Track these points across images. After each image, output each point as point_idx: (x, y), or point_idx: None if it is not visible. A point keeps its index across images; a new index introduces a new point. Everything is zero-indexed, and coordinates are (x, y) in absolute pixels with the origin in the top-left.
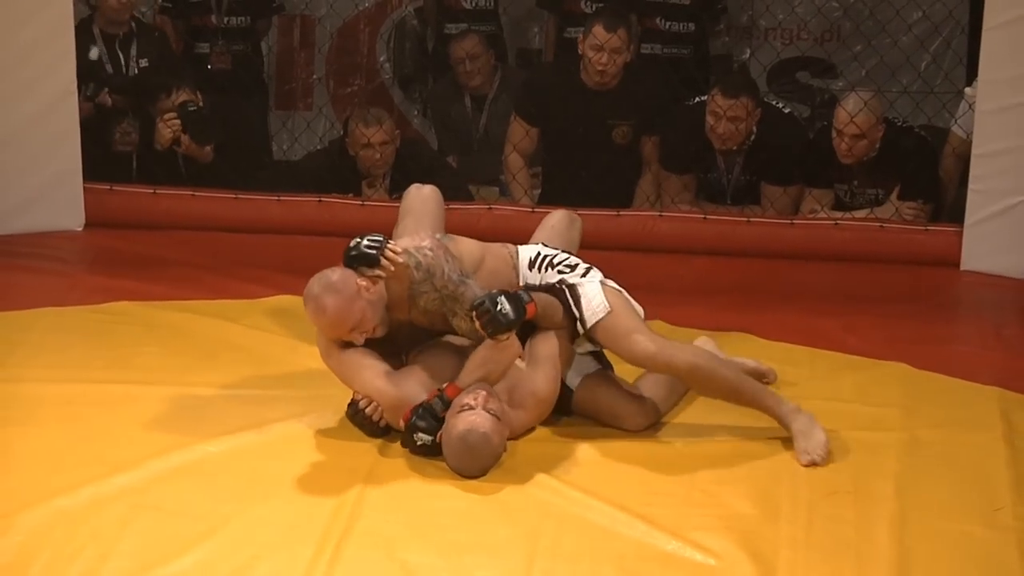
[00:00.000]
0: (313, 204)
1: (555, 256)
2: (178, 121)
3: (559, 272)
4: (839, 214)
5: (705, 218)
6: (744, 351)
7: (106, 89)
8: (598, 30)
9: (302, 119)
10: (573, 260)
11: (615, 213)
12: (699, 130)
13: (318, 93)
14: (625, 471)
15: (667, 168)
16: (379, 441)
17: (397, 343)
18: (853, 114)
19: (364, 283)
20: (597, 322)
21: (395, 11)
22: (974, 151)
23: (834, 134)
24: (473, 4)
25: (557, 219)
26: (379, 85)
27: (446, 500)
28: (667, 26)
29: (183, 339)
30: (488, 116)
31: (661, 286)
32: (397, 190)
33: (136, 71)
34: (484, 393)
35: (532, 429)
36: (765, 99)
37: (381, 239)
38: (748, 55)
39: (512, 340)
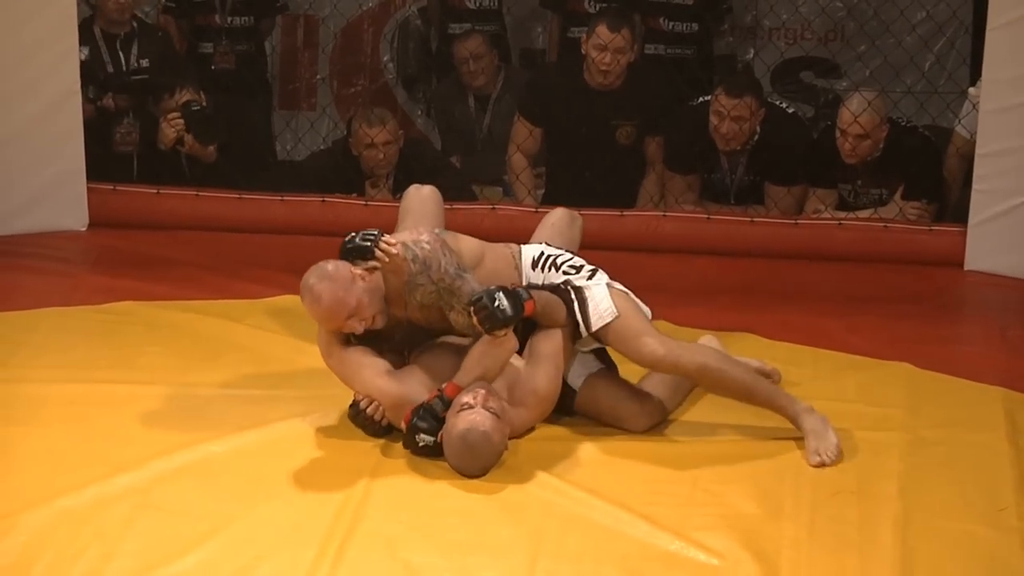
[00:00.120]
0: (317, 204)
1: (559, 256)
2: (181, 121)
3: (564, 273)
4: (843, 214)
5: (709, 218)
6: (748, 351)
7: (109, 93)
8: (602, 30)
9: (306, 119)
10: (578, 261)
11: (619, 213)
12: (703, 130)
13: (322, 93)
14: (628, 470)
15: (671, 168)
16: (381, 441)
17: (396, 342)
18: (857, 114)
19: (360, 272)
20: (605, 325)
21: (399, 11)
22: (978, 151)
23: (838, 134)
24: (477, 4)
25: (557, 217)
26: (383, 85)
27: (449, 500)
28: (670, 26)
29: (186, 339)
30: (492, 116)
31: (665, 286)
32: (400, 190)
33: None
34: (484, 392)
35: (533, 428)
36: (769, 99)
37: (376, 233)
38: (752, 55)
39: (509, 336)
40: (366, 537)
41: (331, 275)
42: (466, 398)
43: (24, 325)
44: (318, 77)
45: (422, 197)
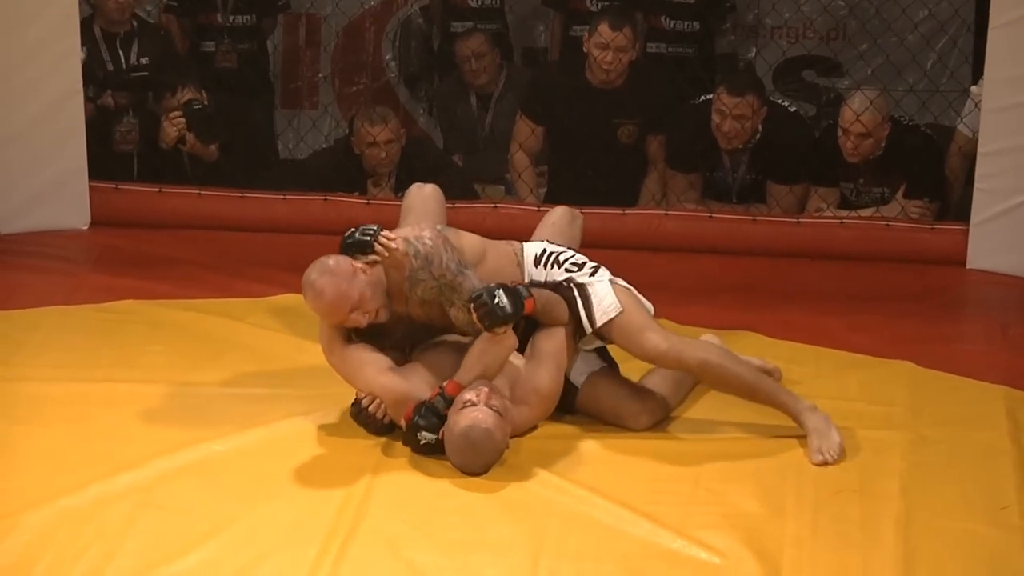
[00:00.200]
0: (319, 203)
1: (561, 253)
2: (183, 120)
3: (566, 270)
4: (845, 213)
5: (711, 217)
6: (749, 350)
7: (108, 91)
8: (603, 28)
9: (308, 118)
10: (580, 258)
11: (621, 212)
12: (705, 129)
13: (324, 92)
14: (630, 468)
15: (673, 167)
16: (383, 439)
17: (398, 339)
18: (859, 113)
19: (361, 266)
20: (609, 321)
21: (401, 9)
22: (980, 149)
23: (840, 133)
24: (479, 2)
25: (558, 216)
26: (385, 83)
27: (451, 498)
28: (672, 25)
29: (188, 338)
30: (494, 115)
31: (667, 285)
32: (402, 189)
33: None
34: (486, 389)
35: (535, 427)
36: (771, 98)
37: (375, 228)
38: (754, 53)
39: (508, 334)
40: (368, 536)
41: (333, 269)
42: (469, 395)
43: (26, 324)
44: (320, 76)
45: (424, 196)
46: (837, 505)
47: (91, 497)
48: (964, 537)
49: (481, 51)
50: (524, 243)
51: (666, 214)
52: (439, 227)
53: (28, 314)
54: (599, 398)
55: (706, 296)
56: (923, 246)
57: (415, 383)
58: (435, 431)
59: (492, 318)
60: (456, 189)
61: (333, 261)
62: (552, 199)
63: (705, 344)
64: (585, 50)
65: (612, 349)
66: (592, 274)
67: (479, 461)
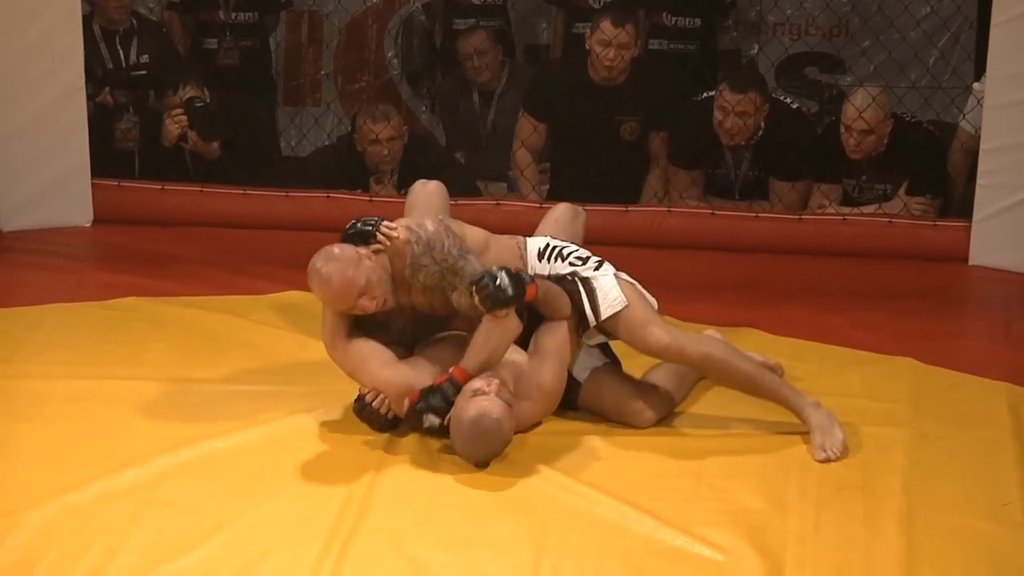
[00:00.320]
0: (321, 200)
1: (565, 247)
2: (185, 117)
3: (570, 264)
4: (847, 209)
5: (713, 214)
6: (752, 346)
7: (107, 88)
8: (606, 25)
9: (310, 115)
10: (584, 252)
11: (623, 209)
12: (707, 125)
13: (326, 89)
14: (633, 465)
15: (675, 164)
16: (386, 436)
17: (400, 333)
18: (861, 109)
19: (365, 252)
20: (614, 315)
21: (403, 7)
22: (982, 146)
23: (842, 129)
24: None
25: (561, 212)
26: (387, 81)
27: (454, 495)
28: (673, 22)
29: (191, 335)
30: (496, 112)
31: (669, 282)
32: (405, 186)
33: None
34: (497, 381)
35: (538, 423)
36: (773, 94)
37: (377, 219)
38: (756, 50)
39: (511, 317)
40: (371, 532)
41: (338, 256)
42: (479, 384)
43: (29, 321)
44: (322, 73)
45: (428, 192)
46: (840, 502)
47: (94, 494)
48: (966, 533)
49: (483, 48)
50: (527, 238)
51: (668, 211)
52: (441, 217)
53: (31, 311)
54: (602, 395)
55: (708, 293)
56: (925, 243)
57: (418, 376)
58: (442, 416)
59: (494, 300)
60: (458, 186)
61: (338, 249)
62: (554, 196)
63: (708, 339)
64: (587, 47)
65: (615, 345)
66: (596, 268)
67: (486, 450)
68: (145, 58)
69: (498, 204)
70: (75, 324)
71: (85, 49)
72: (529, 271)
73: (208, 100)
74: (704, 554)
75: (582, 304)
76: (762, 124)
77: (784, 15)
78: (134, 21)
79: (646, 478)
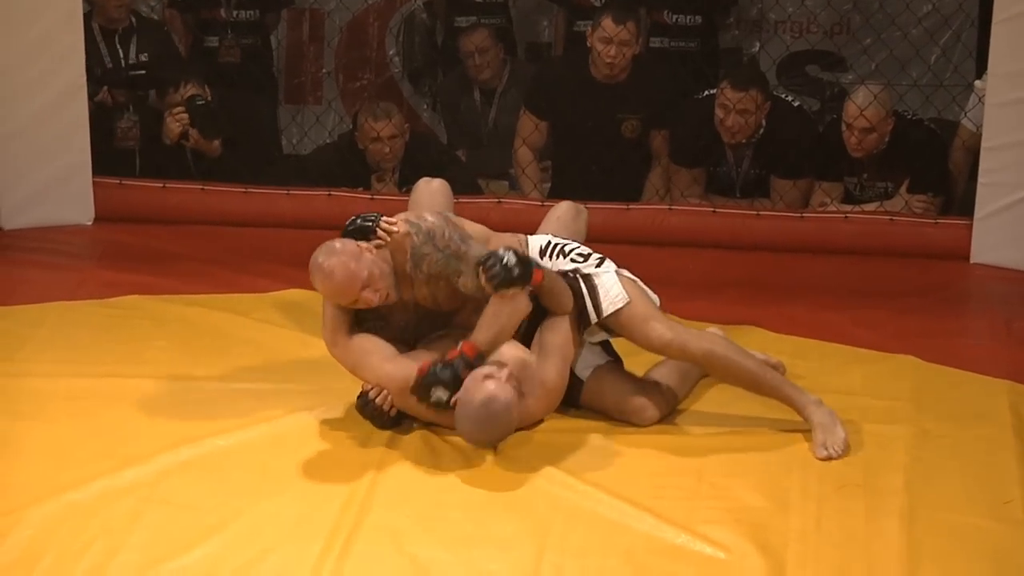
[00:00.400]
0: (323, 198)
1: (566, 245)
2: (186, 115)
3: (572, 261)
4: (848, 207)
5: (714, 212)
6: (753, 344)
7: (105, 87)
8: (607, 23)
9: (311, 113)
10: (585, 249)
11: (624, 207)
12: (708, 123)
13: (327, 87)
14: (634, 463)
15: (676, 162)
16: (388, 434)
17: (402, 330)
18: (863, 107)
19: (366, 246)
20: (616, 311)
21: (404, 4)
22: (984, 144)
23: (844, 127)
24: None
25: (563, 210)
26: (388, 79)
27: (455, 494)
28: (674, 19)
29: (193, 333)
30: (497, 110)
31: (670, 279)
32: (406, 184)
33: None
34: (508, 369)
35: (540, 421)
36: (775, 92)
37: (376, 215)
38: (757, 48)
39: (520, 296)
40: (372, 530)
41: (339, 250)
42: (489, 369)
43: (30, 319)
44: (324, 71)
45: (432, 190)
46: (841, 499)
47: (95, 492)
48: (967, 531)
49: (485, 46)
50: (529, 236)
51: (670, 209)
52: (441, 211)
53: (32, 310)
54: (604, 393)
55: (710, 291)
56: (927, 241)
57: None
58: (452, 391)
59: (501, 278)
60: (460, 184)
61: (339, 243)
62: (556, 194)
63: (711, 335)
64: (589, 44)
65: (617, 344)
66: (598, 265)
67: (492, 433)
68: (144, 57)
69: (499, 202)
70: (76, 322)
71: (84, 48)
72: None
73: (209, 98)
74: (705, 552)
75: (584, 301)
76: (763, 122)
77: (785, 13)
78: (133, 20)
79: (647, 476)
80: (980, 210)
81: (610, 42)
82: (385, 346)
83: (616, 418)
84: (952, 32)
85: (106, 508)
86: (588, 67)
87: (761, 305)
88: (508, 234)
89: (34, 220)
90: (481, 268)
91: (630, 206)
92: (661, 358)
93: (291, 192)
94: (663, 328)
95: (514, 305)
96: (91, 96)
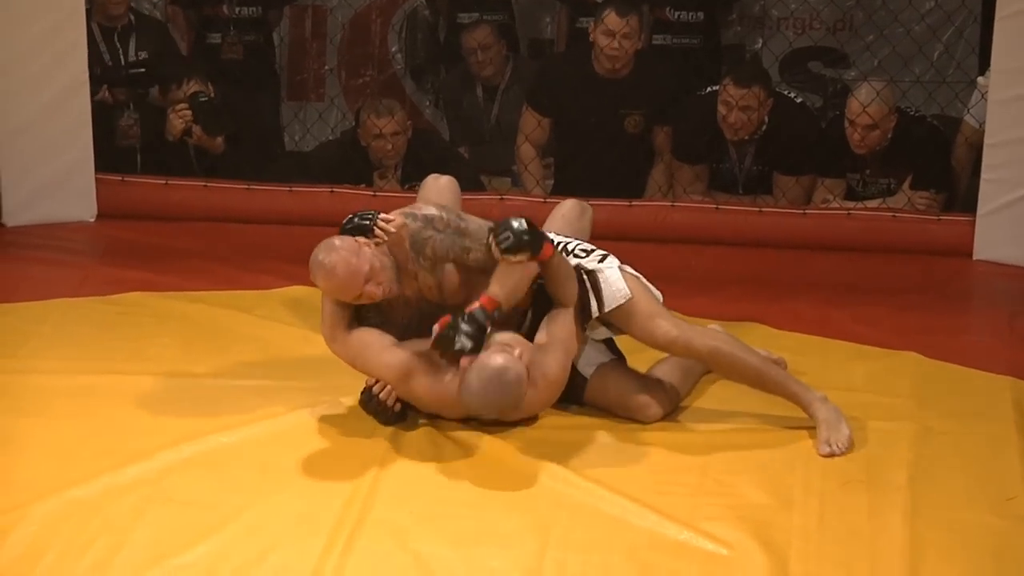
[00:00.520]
0: (325, 195)
1: (569, 241)
2: (189, 112)
3: (575, 256)
4: (851, 204)
5: (717, 208)
6: (756, 341)
7: (105, 86)
8: (610, 17)
9: (314, 110)
10: (588, 245)
11: (627, 203)
12: (711, 120)
13: (330, 84)
14: (637, 460)
15: (679, 158)
16: (391, 431)
17: (404, 327)
18: (866, 104)
19: (365, 241)
20: (618, 307)
21: (407, 1)
22: (987, 140)
23: (847, 124)
24: None
25: (568, 208)
26: (391, 75)
27: (457, 490)
28: (676, 16)
29: (196, 330)
30: (500, 106)
31: (673, 276)
32: (409, 181)
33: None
34: (520, 350)
35: (538, 417)
36: (777, 89)
37: (373, 212)
38: (760, 45)
39: (530, 264)
40: (375, 527)
41: (339, 246)
42: (503, 347)
43: (33, 316)
44: (326, 68)
45: (439, 187)
46: (844, 496)
47: (98, 489)
48: (970, 528)
49: (487, 43)
50: None
51: (673, 205)
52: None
53: (35, 306)
54: (607, 390)
55: (712, 287)
56: (929, 237)
57: (419, 357)
58: (475, 340)
59: (511, 241)
60: (462, 181)
61: (338, 240)
62: (558, 191)
63: (715, 332)
64: (591, 39)
65: (620, 341)
66: (601, 261)
67: (502, 402)
68: (144, 55)
69: (502, 199)
70: (79, 319)
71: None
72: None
73: (212, 95)
74: (708, 548)
75: (586, 295)
76: (766, 119)
77: (788, 9)
78: (132, 18)
79: (650, 473)
80: (983, 207)
81: (613, 35)
82: (383, 337)
83: (619, 415)
84: (955, 28)
85: (109, 505)
86: (591, 63)
87: (763, 302)
88: None
89: (37, 217)
90: (492, 234)
91: (633, 203)
92: (664, 355)
93: (294, 189)
94: (668, 325)
95: (522, 269)
96: (91, 95)
